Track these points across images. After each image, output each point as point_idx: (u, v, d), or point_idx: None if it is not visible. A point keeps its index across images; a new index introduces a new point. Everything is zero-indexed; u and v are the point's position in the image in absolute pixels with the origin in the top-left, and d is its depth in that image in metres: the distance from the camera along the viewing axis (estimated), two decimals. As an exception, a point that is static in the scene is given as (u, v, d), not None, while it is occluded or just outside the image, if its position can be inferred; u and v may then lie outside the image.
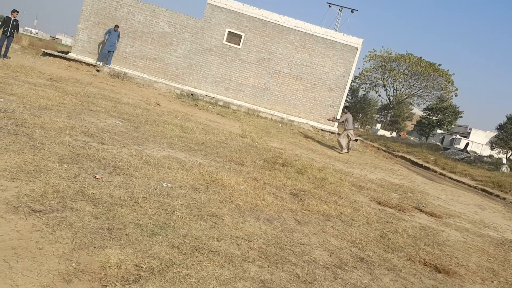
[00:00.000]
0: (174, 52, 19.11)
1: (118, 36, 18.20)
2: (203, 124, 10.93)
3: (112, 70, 17.90)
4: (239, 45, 19.31)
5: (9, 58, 14.86)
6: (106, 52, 18.04)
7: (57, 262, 2.53)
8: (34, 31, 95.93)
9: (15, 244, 2.61)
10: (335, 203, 5.99)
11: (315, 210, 5.32)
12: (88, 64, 18.07)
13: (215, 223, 3.90)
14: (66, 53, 19.72)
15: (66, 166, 4.32)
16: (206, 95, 18.89)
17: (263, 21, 19.17)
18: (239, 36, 19.27)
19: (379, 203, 7.00)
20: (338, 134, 14.19)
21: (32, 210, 3.12)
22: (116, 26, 17.96)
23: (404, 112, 60.65)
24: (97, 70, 17.82)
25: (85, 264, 2.59)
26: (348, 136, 13.81)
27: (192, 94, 18.53)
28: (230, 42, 19.28)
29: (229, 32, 19.19)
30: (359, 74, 57.70)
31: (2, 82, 8.64)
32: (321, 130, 19.41)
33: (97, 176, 4.25)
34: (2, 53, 14.48)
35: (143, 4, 18.68)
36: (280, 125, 14.33)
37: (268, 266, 3.28)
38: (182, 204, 4.12)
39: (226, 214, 4.22)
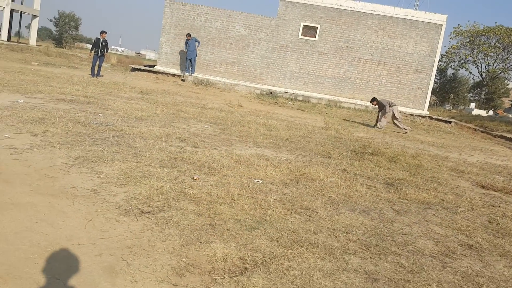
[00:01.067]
0: (252, 54, 19.47)
1: (198, 42, 18.72)
2: (285, 121, 10.99)
3: (196, 78, 18.78)
4: (315, 37, 19.09)
5: (102, 76, 16.09)
6: (188, 61, 18.87)
7: (169, 258, 2.70)
8: (120, 49, 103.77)
9: (130, 243, 2.84)
10: (434, 190, 5.63)
11: (413, 198, 5.05)
12: (173, 75, 19.17)
13: (309, 216, 3.89)
14: (152, 66, 21.13)
15: (166, 170, 4.63)
16: (285, 92, 18.96)
17: (338, 9, 18.72)
18: (315, 28, 19.05)
19: (483, 187, 6.45)
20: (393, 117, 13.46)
21: (142, 212, 3.39)
22: (188, 34, 18.54)
23: (499, 88, 54.99)
24: (182, 80, 18.83)
25: (194, 258, 2.74)
26: (390, 115, 13.18)
27: (271, 93, 18.73)
28: (306, 36, 19.14)
29: (304, 25, 19.06)
30: (446, 52, 53.32)
31: (100, 99, 9.51)
32: (410, 114, 18.42)
33: (195, 177, 4.48)
34: (95, 72, 15.59)
35: (218, 10, 19.31)
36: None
37: (370, 258, 3.18)
38: (275, 199, 4.18)
39: (320, 207, 4.19)
